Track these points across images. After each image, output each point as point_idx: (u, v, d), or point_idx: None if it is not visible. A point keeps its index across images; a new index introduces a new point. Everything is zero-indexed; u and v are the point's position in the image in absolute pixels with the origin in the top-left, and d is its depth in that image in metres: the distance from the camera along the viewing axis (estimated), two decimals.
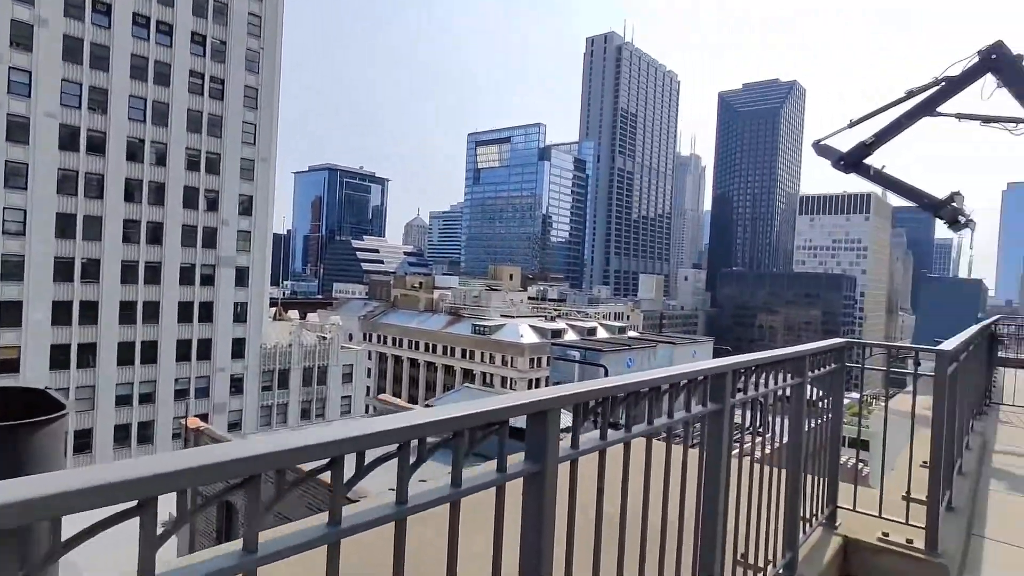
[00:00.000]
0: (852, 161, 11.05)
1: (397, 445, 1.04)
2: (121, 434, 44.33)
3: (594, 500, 1.60)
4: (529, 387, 66.48)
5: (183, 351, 47.01)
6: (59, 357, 41.69)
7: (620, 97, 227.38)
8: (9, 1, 38.68)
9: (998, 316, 11.55)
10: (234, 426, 47.61)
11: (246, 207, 50.38)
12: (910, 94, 10.28)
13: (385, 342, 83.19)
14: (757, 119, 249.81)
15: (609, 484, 1.62)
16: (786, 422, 3.16)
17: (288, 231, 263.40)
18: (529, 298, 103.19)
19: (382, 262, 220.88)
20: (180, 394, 46.78)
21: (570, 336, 68.09)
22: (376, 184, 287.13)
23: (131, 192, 44.40)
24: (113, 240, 43.50)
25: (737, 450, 2.58)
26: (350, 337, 75.49)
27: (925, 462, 3.65)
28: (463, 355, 74.36)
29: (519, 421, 1.35)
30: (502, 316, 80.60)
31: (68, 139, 41.60)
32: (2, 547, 0.62)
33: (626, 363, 27.78)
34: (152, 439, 45.65)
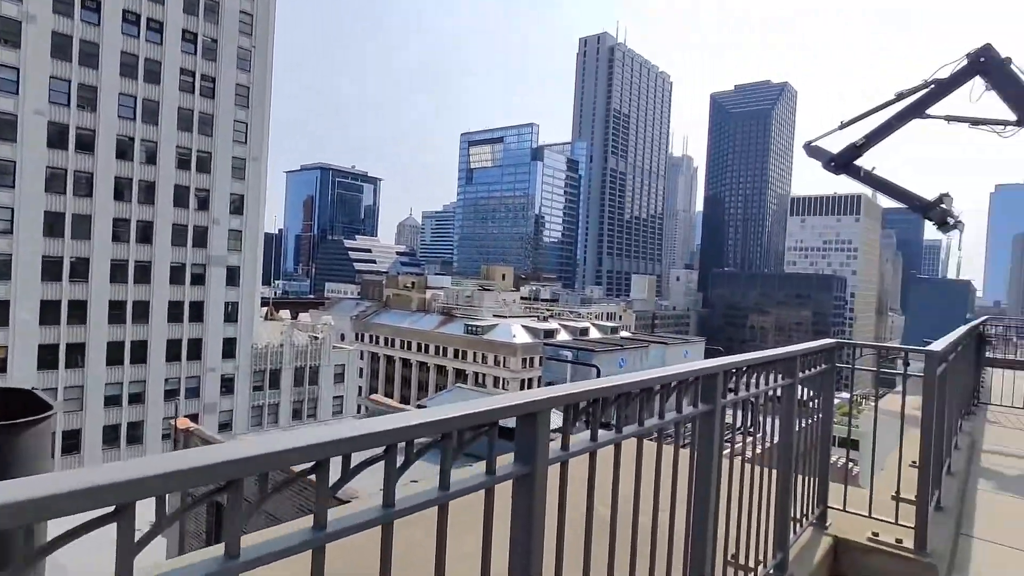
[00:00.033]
0: (842, 162, 11.11)
1: (384, 448, 1.02)
2: (110, 435, 43.96)
3: (584, 502, 1.59)
4: (522, 387, 66.51)
5: (173, 351, 46.68)
6: (47, 357, 41.28)
7: (613, 98, 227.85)
8: None
9: (986, 317, 11.65)
10: (225, 426, 47.32)
11: (237, 206, 50.09)
12: (900, 96, 10.35)
13: (377, 342, 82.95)
14: (749, 120, 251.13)
15: (600, 485, 1.61)
16: (777, 422, 3.17)
17: (280, 230, 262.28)
18: (522, 298, 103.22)
19: (374, 262, 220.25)
20: (170, 394, 46.44)
21: (563, 336, 68.19)
22: (368, 184, 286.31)
23: (121, 191, 44.03)
24: (102, 239, 43.12)
25: (728, 450, 2.59)
26: (342, 337, 75.21)
27: (914, 462, 3.67)
28: (455, 355, 74.26)
29: (510, 421, 1.34)
30: (495, 316, 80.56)
31: (57, 137, 41.21)
32: None
33: (618, 363, 27.82)
34: (142, 440, 45.28)
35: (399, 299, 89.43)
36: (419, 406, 28.23)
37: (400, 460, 1.07)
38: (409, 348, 79.45)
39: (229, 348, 49.40)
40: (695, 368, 2.14)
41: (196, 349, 47.79)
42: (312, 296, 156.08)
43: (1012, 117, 9.39)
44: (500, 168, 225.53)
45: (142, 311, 45.18)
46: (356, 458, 0.99)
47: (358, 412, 50.83)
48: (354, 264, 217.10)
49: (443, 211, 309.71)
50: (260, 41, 51.01)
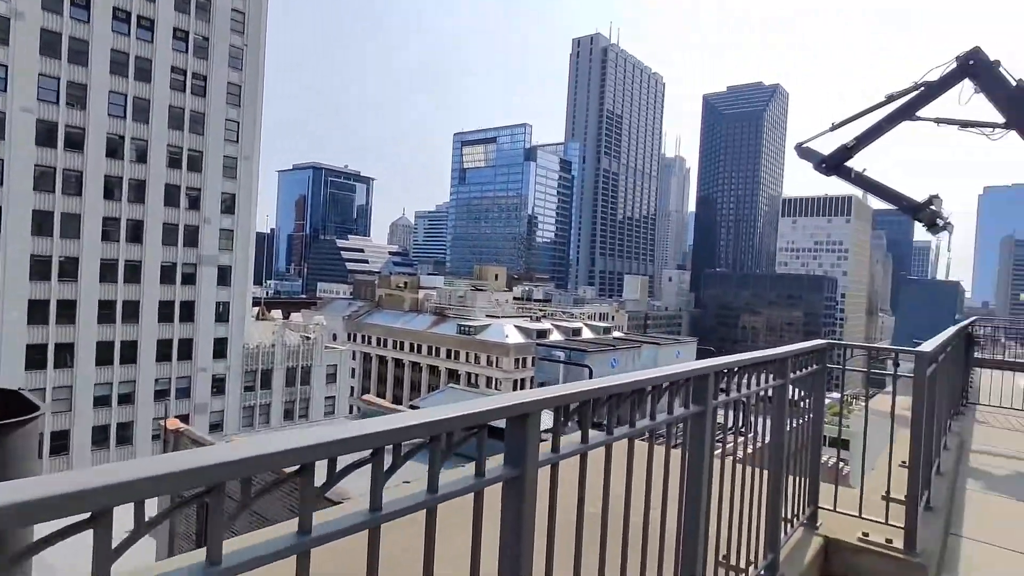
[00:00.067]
0: (833, 164, 11.17)
1: (371, 450, 1.01)
2: (99, 435, 43.59)
3: (575, 503, 1.57)
4: (514, 387, 66.52)
5: (164, 351, 46.35)
6: (35, 357, 40.89)
7: (606, 98, 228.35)
8: None
9: (974, 317, 11.75)
10: (215, 427, 47.05)
11: (229, 205, 49.80)
12: (890, 98, 10.42)
13: (369, 342, 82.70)
14: (741, 122, 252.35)
15: (591, 486, 1.60)
16: (768, 423, 3.17)
17: (272, 230, 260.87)
18: (514, 298, 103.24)
19: (367, 262, 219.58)
20: (160, 395, 46.12)
21: (555, 336, 68.19)
22: (361, 183, 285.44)
23: (111, 189, 43.68)
24: (92, 238, 42.76)
25: (719, 451, 2.58)
26: (334, 337, 74.95)
27: (904, 462, 3.68)
28: (448, 355, 74.16)
29: (502, 421, 1.32)
30: (487, 316, 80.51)
31: (45, 135, 40.83)
32: None
33: (611, 363, 27.84)
34: (131, 441, 44.93)
35: (392, 299, 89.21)
36: (412, 406, 28.16)
37: (388, 462, 1.05)
38: (402, 348, 79.27)
39: (220, 348, 49.12)
40: (686, 369, 2.14)
41: (187, 349, 47.48)
42: (304, 296, 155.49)
43: (1000, 120, 9.47)
44: (493, 168, 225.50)
45: (132, 311, 44.83)
46: (343, 461, 0.98)
47: (350, 412, 50.67)
48: (346, 264, 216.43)
49: (436, 211, 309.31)
50: (252, 39, 50.74)
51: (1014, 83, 9.38)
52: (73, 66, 41.79)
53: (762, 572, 3.02)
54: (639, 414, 1.85)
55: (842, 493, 3.94)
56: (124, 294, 44.40)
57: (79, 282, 42.43)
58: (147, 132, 45.11)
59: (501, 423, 1.32)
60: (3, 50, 38.87)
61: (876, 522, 3.72)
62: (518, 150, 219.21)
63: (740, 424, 3.04)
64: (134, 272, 44.85)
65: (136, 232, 44.92)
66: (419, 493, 1.12)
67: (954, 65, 9.75)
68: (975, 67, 9.55)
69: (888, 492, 3.73)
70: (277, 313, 65.43)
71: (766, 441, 3.20)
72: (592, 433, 1.63)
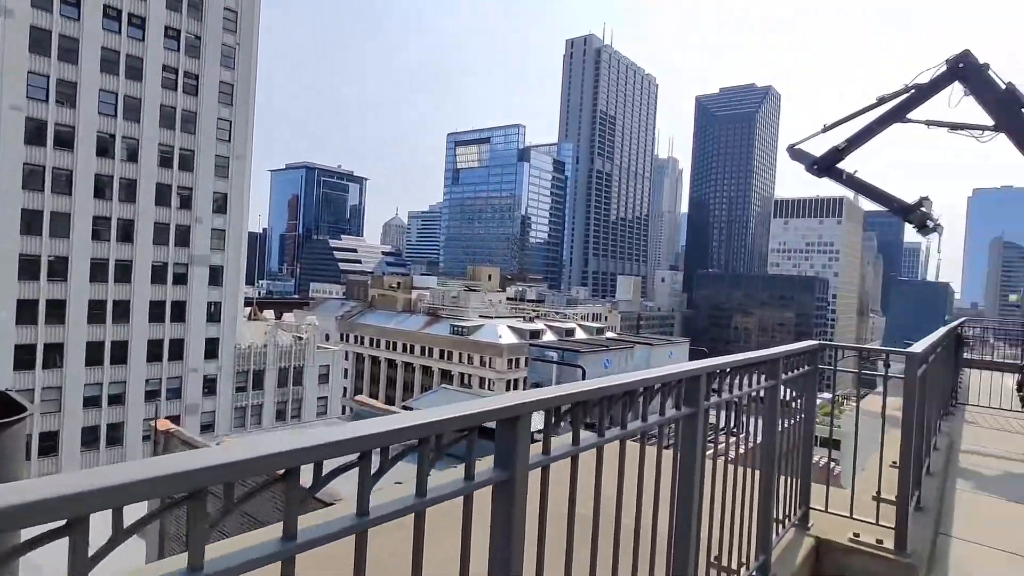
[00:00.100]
0: (825, 165, 11.24)
1: (358, 454, 0.99)
2: (89, 436, 43.23)
3: (566, 505, 1.56)
4: (507, 388, 66.50)
5: (155, 351, 46.03)
6: (24, 357, 40.50)
7: (599, 99, 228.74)
8: None
9: (964, 319, 11.84)
10: (207, 428, 46.76)
11: (220, 205, 49.53)
12: (881, 100, 10.50)
13: (362, 342, 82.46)
14: (733, 123, 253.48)
15: (582, 488, 1.59)
16: (759, 423, 3.18)
17: (264, 230, 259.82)
18: (508, 299, 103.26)
19: (360, 262, 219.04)
20: (151, 395, 45.80)
21: (548, 337, 68.23)
22: (354, 183, 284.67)
23: (101, 188, 43.34)
24: (82, 237, 42.42)
25: (711, 451, 2.58)
26: (327, 337, 74.69)
27: (895, 462, 3.70)
28: (441, 356, 74.04)
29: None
30: (480, 317, 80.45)
31: (35, 133, 40.47)
32: None
33: (603, 364, 27.90)
34: (122, 441, 44.59)
35: (384, 299, 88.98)
36: (405, 407, 28.10)
37: (377, 465, 1.04)
38: (394, 349, 79.08)
39: (212, 348, 48.83)
40: (678, 371, 2.13)
41: (178, 349, 47.17)
42: (297, 296, 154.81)
43: (990, 122, 9.55)
44: (487, 168, 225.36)
45: (123, 311, 44.50)
46: (330, 465, 0.96)
47: (343, 413, 50.49)
48: (339, 264, 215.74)
49: (429, 211, 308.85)
50: (244, 38, 50.50)
51: (1003, 86, 9.46)
52: (63, 64, 41.44)
53: (754, 573, 3.02)
54: (631, 415, 1.84)
55: (833, 493, 3.96)
56: (115, 294, 44.06)
57: (69, 282, 42.08)
58: (138, 131, 44.79)
59: (493, 422, 1.30)
60: None
61: (867, 522, 3.74)
62: (511, 150, 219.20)
63: (732, 425, 3.04)
64: (125, 272, 44.52)
65: (127, 231, 44.59)
66: (407, 497, 1.10)
67: (944, 68, 9.83)
68: (965, 70, 9.63)
69: (879, 492, 3.74)
70: (269, 313, 65.14)
71: (758, 441, 3.20)
72: (584, 434, 1.62)
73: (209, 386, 48.69)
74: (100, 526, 0.75)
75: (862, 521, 3.76)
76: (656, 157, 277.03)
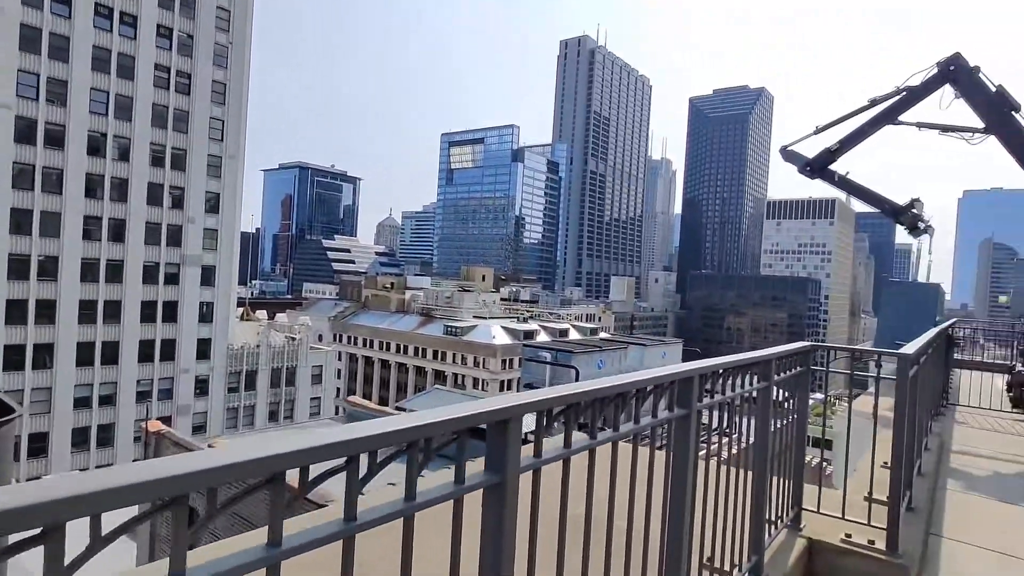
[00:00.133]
0: (818, 167, 11.30)
1: (345, 459, 0.98)
2: (79, 438, 42.90)
3: (558, 508, 1.55)
4: (501, 388, 66.46)
5: (146, 352, 45.74)
6: (13, 358, 40.15)
7: (593, 100, 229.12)
8: None
9: (954, 319, 11.90)
10: (199, 429, 46.48)
11: (213, 205, 49.28)
12: (873, 102, 10.56)
13: (356, 343, 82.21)
14: (726, 124, 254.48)
15: (574, 489, 1.58)
16: (752, 424, 3.17)
17: (257, 230, 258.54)
18: (501, 299, 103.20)
19: (353, 262, 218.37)
20: (142, 396, 45.50)
21: (542, 337, 68.21)
22: (348, 183, 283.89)
23: (92, 188, 43.03)
24: (72, 237, 42.09)
25: (704, 451, 2.58)
26: (320, 338, 74.41)
27: (886, 463, 3.71)
28: (435, 356, 73.91)
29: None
30: (474, 317, 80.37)
31: (25, 131, 40.13)
32: None
33: (597, 364, 27.91)
34: (112, 442, 44.28)
35: (378, 300, 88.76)
36: (398, 408, 28.02)
37: (364, 470, 1.02)
38: (388, 349, 78.89)
39: (204, 349, 48.56)
40: (671, 372, 2.13)
41: (170, 350, 46.89)
42: (290, 296, 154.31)
43: (980, 124, 9.62)
44: (480, 169, 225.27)
45: (114, 311, 44.19)
46: (317, 469, 0.95)
47: (336, 414, 50.32)
48: (332, 264, 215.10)
49: (423, 211, 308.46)
50: (237, 37, 50.27)
51: (993, 89, 9.53)
52: (54, 62, 41.12)
53: (746, 574, 3.02)
54: (623, 417, 1.83)
55: (825, 494, 3.96)
56: (106, 294, 43.75)
57: (59, 281, 41.75)
58: (130, 130, 44.50)
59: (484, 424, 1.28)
60: None
61: (859, 523, 3.74)
62: (505, 151, 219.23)
63: (725, 426, 3.04)
64: (116, 272, 44.21)
65: (118, 231, 44.29)
66: (396, 502, 1.09)
67: (935, 71, 9.89)
68: (955, 72, 9.69)
69: (871, 493, 3.75)
70: (262, 313, 64.87)
71: (751, 442, 3.20)
72: (576, 436, 1.60)
73: (201, 387, 48.42)
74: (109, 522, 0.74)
75: (854, 522, 3.77)
76: (650, 158, 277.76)
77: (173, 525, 0.79)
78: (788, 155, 11.94)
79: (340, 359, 73.98)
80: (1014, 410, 9.46)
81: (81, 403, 42.89)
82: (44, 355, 41.41)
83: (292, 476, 0.93)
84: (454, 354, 72.46)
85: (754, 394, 3.10)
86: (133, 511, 0.78)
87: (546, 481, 1.47)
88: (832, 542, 3.68)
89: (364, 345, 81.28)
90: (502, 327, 74.53)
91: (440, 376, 71.18)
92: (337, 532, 0.97)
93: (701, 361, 2.44)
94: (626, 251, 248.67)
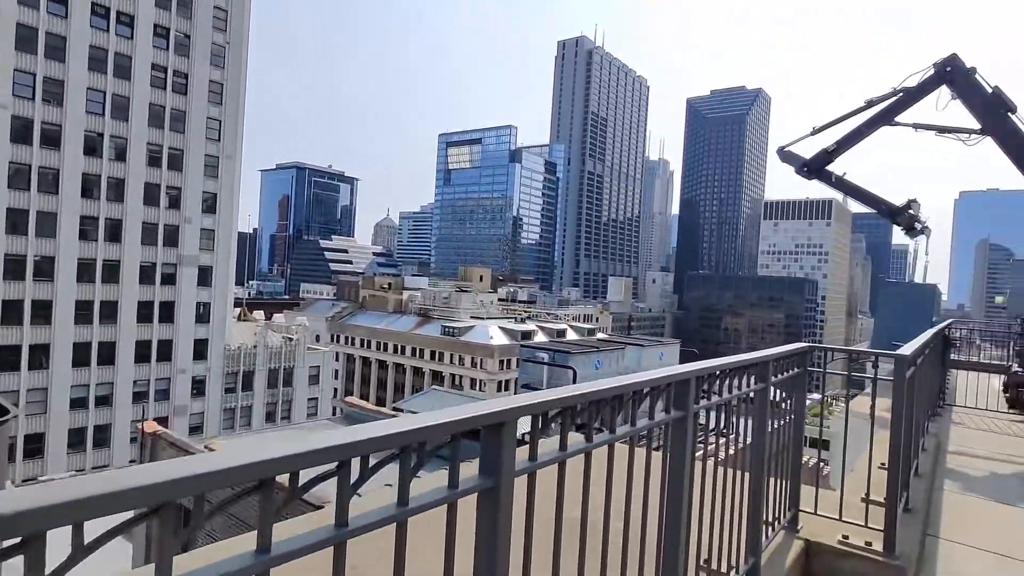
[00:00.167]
0: (815, 167, 11.31)
1: (336, 463, 0.96)
2: (75, 438, 42.76)
3: (553, 512, 1.54)
4: (498, 389, 66.46)
5: (142, 352, 45.61)
6: (9, 358, 40.01)
7: (591, 101, 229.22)
8: None
9: (951, 320, 11.93)
10: (195, 429, 46.37)
11: (210, 205, 49.17)
12: (870, 103, 10.58)
13: (353, 343, 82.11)
14: (723, 125, 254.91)
15: (570, 491, 1.57)
16: (749, 425, 3.17)
17: (254, 230, 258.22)
18: (499, 300, 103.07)
19: (351, 262, 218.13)
20: (139, 396, 45.38)
21: (540, 338, 68.20)
22: (345, 183, 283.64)
23: (89, 188, 42.91)
24: (69, 237, 41.97)
25: (701, 452, 2.57)
26: (317, 338, 74.30)
27: (883, 464, 3.71)
28: (432, 357, 73.85)
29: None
30: (472, 318, 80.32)
31: (21, 131, 39.99)
32: None
33: (594, 365, 27.93)
34: (108, 443, 44.14)
35: (375, 300, 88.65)
36: (395, 408, 27.99)
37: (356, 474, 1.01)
38: (385, 350, 78.79)
39: (200, 349, 48.44)
40: (668, 374, 2.12)
41: (166, 350, 46.76)
42: (287, 297, 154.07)
43: (976, 125, 9.63)
44: (478, 169, 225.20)
45: (110, 311, 44.05)
46: (308, 474, 0.93)
47: (333, 414, 50.25)
48: (330, 264, 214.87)
49: (420, 212, 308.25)
50: (235, 37, 50.18)
51: (989, 90, 9.55)
52: (50, 62, 40.99)
53: None
54: (619, 420, 1.82)
55: (822, 495, 3.96)
56: (102, 294, 43.62)
57: (56, 282, 41.61)
58: (127, 130, 44.38)
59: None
60: None
61: (856, 524, 3.74)
62: (503, 151, 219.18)
63: (722, 427, 3.03)
64: (112, 272, 44.08)
65: (115, 231, 44.16)
66: (389, 507, 1.07)
67: (931, 71, 9.91)
68: (952, 74, 9.71)
69: (868, 494, 3.75)
70: (259, 314, 64.70)
71: (748, 443, 3.19)
72: (572, 437, 1.59)
73: (198, 387, 48.30)
74: (99, 528, 0.72)
75: (851, 523, 3.76)
76: (647, 159, 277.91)
77: (158, 533, 0.77)
78: (785, 156, 11.95)
79: (337, 359, 73.92)
80: (1010, 411, 9.47)
81: (77, 404, 42.75)
82: (40, 355, 41.27)
83: (287, 479, 0.92)
84: (451, 354, 72.41)
85: (751, 395, 3.10)
86: (122, 516, 0.76)
87: (541, 484, 1.46)
88: (829, 543, 3.67)
89: (361, 345, 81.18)
90: (499, 327, 74.50)
91: (437, 376, 71.12)
92: (328, 538, 0.96)
93: (698, 363, 2.43)
94: (623, 252, 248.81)
